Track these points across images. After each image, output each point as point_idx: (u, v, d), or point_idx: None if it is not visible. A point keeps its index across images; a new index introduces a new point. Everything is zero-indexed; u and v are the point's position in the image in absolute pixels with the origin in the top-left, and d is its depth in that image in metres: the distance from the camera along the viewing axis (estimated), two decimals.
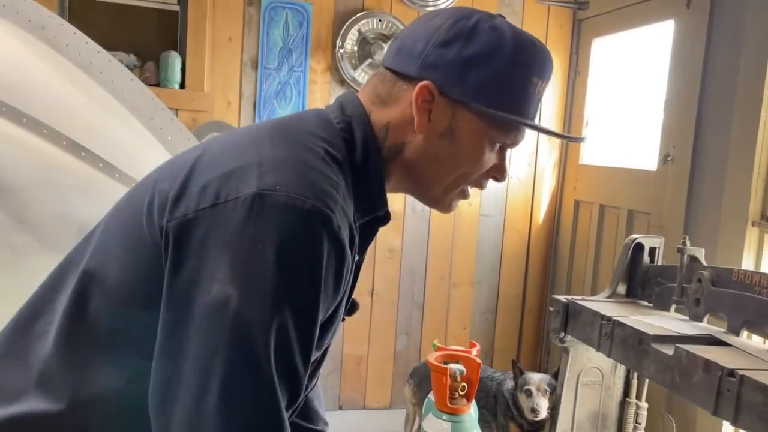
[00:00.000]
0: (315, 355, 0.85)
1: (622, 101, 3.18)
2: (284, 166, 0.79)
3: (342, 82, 3.13)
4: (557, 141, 3.46)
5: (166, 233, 0.78)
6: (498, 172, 0.92)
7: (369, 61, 3.11)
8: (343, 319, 0.99)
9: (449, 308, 3.42)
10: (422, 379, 2.77)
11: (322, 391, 1.28)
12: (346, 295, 0.89)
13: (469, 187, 0.94)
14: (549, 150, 3.46)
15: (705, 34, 2.51)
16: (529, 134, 3.34)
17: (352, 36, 3.10)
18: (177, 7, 2.90)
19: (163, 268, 0.77)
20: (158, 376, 0.76)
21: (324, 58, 3.10)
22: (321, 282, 0.76)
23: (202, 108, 2.97)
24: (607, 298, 2.38)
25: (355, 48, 3.11)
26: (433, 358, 1.84)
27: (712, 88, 2.48)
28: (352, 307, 1.01)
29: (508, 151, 0.94)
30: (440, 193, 0.93)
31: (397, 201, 3.22)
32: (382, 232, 3.57)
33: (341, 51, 3.09)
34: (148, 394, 0.76)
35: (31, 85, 1.02)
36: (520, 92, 0.86)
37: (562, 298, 2.33)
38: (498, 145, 0.90)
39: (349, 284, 0.89)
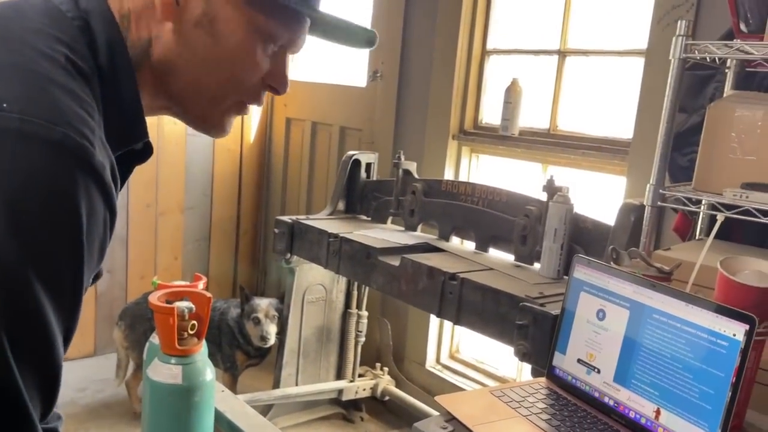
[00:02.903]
0: None
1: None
2: (10, 76, 0.53)
3: None
4: None
5: None
6: (277, 81, 0.71)
7: None
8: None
9: (157, 239, 3.12)
10: (134, 320, 2.49)
11: None
12: None
13: (248, 102, 0.73)
14: None
15: None
16: None
17: None
18: None
19: None
20: None
21: None
22: (83, 243, 0.53)
23: None
24: (329, 215, 2.38)
25: None
26: (155, 298, 1.62)
27: (416, 6, 2.57)
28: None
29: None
30: (209, 108, 0.70)
31: None
32: None
33: None
34: None
35: None
36: None
37: (286, 218, 2.26)
38: (274, 44, 0.69)
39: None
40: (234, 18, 0.66)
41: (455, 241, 2.12)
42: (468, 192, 2.05)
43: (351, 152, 2.43)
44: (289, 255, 2.25)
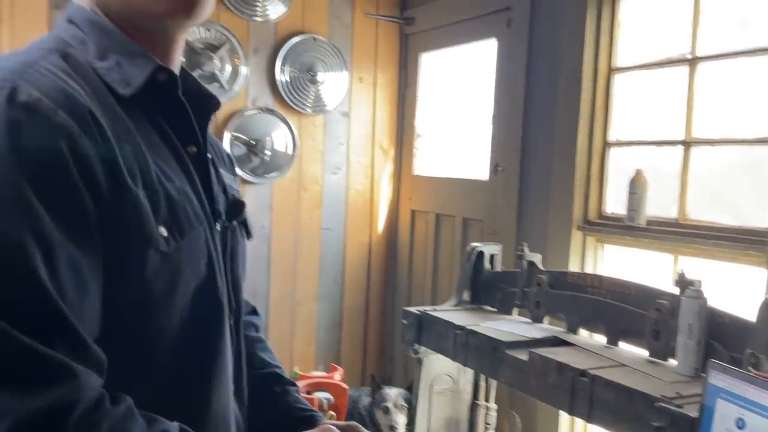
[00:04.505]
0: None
1: (452, 114, 3.32)
2: None
3: None
4: (392, 153, 3.52)
5: None
6: None
7: (198, 71, 2.91)
8: (230, 223, 0.88)
9: (294, 326, 3.33)
10: None
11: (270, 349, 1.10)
12: (166, 178, 0.75)
13: None
14: (384, 161, 3.51)
15: (525, 52, 2.71)
16: (364, 146, 3.26)
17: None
18: None
19: None
20: None
21: None
22: (10, 161, 0.62)
23: None
24: (454, 306, 2.45)
25: (183, 58, 2.89)
26: None
27: (535, 103, 2.68)
28: (234, 208, 0.88)
29: None
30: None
31: None
32: None
33: None
34: None
35: None
36: None
37: (414, 309, 2.36)
38: None
39: (145, 161, 0.73)
40: None
41: (584, 334, 2.10)
42: (595, 284, 2.04)
43: (474, 244, 2.51)
44: (416, 345, 2.33)
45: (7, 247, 0.60)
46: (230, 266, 0.87)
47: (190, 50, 2.91)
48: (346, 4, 3.34)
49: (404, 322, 2.37)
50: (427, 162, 3.45)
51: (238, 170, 3.03)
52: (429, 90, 3.45)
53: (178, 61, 0.84)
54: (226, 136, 3.03)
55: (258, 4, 3.07)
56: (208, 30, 2.95)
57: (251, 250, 3.54)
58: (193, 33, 2.91)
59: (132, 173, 0.70)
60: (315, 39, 3.22)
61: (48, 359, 0.60)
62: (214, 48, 2.96)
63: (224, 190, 0.89)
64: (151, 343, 0.72)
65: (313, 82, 3.21)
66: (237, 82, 3.03)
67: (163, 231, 0.72)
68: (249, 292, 3.42)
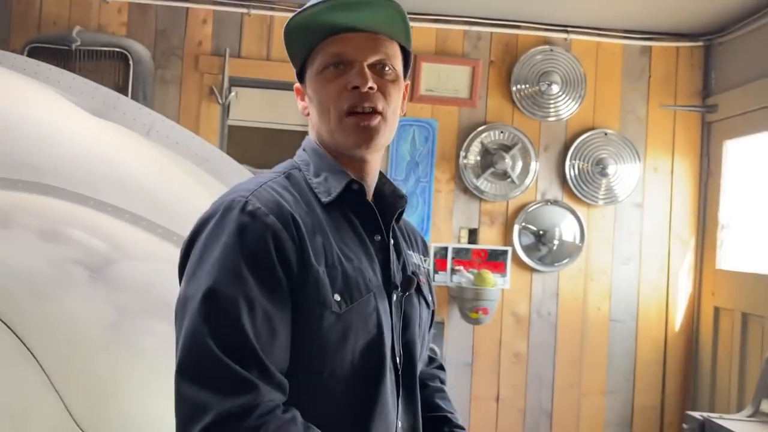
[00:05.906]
0: (321, 312, 0.97)
1: (763, 204, 3.03)
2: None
3: (465, 190, 3.28)
4: (691, 244, 3.33)
5: None
6: (352, 83, 1.03)
7: (491, 170, 3.25)
8: (403, 293, 1.08)
9: (579, 418, 3.28)
10: None
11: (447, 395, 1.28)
12: (338, 259, 1.00)
13: (354, 109, 1.04)
14: (682, 253, 3.33)
15: None
16: (659, 237, 3.17)
17: (475, 147, 3.29)
18: None
19: None
20: None
21: (448, 168, 3.29)
22: (235, 248, 0.94)
23: None
24: (748, 416, 2.21)
25: (478, 158, 3.29)
26: None
27: None
28: (406, 282, 1.10)
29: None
30: (338, 133, 1.06)
31: (521, 304, 3.24)
32: (507, 337, 3.43)
33: (464, 162, 3.28)
34: None
35: (195, 214, 1.25)
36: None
37: (696, 415, 2.21)
38: (328, 69, 1.05)
39: (330, 248, 1.00)
40: (310, 81, 1.09)
41: None
42: None
43: None
44: None
45: (226, 303, 0.91)
46: (402, 327, 1.09)
47: (485, 151, 3.28)
48: (640, 98, 3.37)
49: (684, 426, 2.22)
50: (734, 255, 3.17)
51: (525, 258, 3.25)
52: (736, 178, 3.21)
53: (373, 174, 1.12)
54: (515, 228, 3.27)
55: (551, 105, 3.32)
56: (502, 132, 3.29)
57: (538, 334, 3.71)
58: (488, 136, 3.28)
59: (317, 256, 0.99)
60: (606, 133, 3.32)
61: (242, 377, 0.89)
62: (507, 148, 3.28)
63: (404, 268, 1.13)
64: (326, 379, 0.97)
65: (603, 174, 3.28)
66: (527, 177, 3.28)
67: (337, 297, 0.98)
68: (534, 376, 3.54)
